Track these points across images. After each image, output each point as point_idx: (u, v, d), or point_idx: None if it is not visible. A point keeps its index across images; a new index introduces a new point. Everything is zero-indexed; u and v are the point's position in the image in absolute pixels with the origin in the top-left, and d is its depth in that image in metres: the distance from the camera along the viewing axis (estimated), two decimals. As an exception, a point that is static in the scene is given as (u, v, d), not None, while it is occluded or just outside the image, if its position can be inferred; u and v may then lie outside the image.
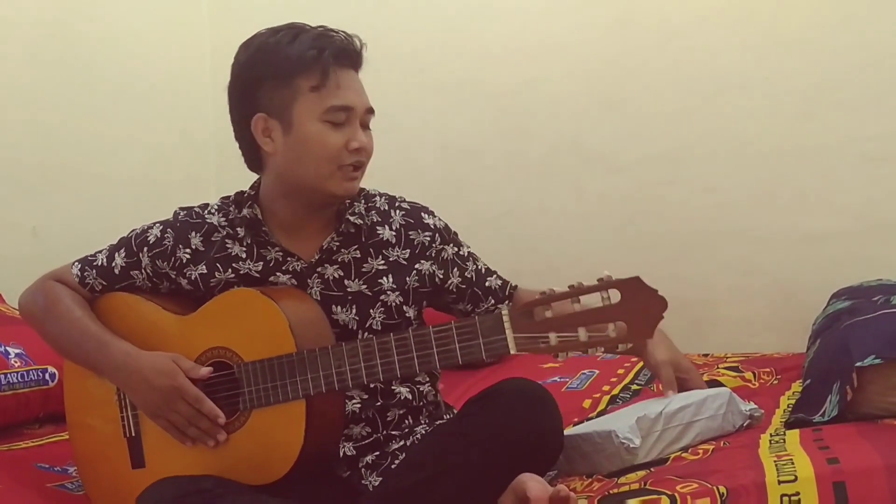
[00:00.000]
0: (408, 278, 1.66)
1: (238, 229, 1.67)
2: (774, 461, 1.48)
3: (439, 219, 1.74)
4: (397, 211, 1.71)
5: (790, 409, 1.91)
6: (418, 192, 1.85)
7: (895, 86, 2.72)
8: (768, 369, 2.37)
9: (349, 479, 1.60)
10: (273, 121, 1.60)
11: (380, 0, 3.29)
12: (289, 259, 1.65)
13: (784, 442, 1.63)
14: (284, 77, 1.58)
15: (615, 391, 2.29)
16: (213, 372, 1.56)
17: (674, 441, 1.66)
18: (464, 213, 2.12)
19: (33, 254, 2.63)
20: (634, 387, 2.33)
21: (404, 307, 1.66)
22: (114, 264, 1.71)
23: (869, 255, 2.71)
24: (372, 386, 1.62)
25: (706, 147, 2.94)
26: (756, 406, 1.83)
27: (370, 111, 1.64)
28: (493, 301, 1.73)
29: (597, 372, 2.46)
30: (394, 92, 2.88)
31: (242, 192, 1.71)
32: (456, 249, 1.72)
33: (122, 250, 1.71)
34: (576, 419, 2.04)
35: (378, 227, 1.68)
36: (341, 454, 1.60)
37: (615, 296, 1.32)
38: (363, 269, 1.65)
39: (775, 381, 2.28)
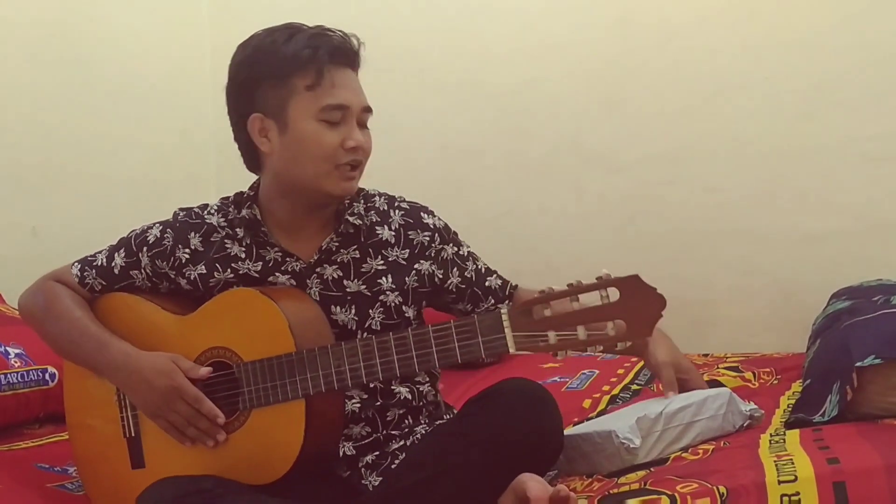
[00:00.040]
0: (407, 278, 1.66)
1: (237, 230, 1.67)
2: (774, 461, 1.48)
3: (439, 218, 1.73)
4: (396, 211, 1.71)
5: (790, 409, 1.90)
6: (418, 192, 1.85)
7: (895, 86, 2.73)
8: (768, 369, 2.37)
9: (349, 479, 1.60)
10: (269, 121, 1.60)
11: (380, 0, 3.29)
12: (288, 259, 1.65)
13: (784, 442, 1.63)
14: (280, 76, 1.58)
15: (615, 391, 2.28)
16: (212, 372, 1.56)
17: (674, 441, 1.66)
18: (464, 213, 2.12)
19: (33, 254, 2.62)
20: (634, 387, 2.33)
21: (403, 307, 1.66)
22: (113, 264, 1.71)
23: (869, 255, 2.71)
24: (371, 386, 1.61)
25: (706, 147, 2.94)
26: (756, 406, 1.83)
27: (367, 110, 1.63)
28: (493, 301, 1.72)
29: (597, 372, 2.46)
30: (394, 92, 2.88)
31: (242, 193, 1.71)
32: (456, 249, 1.72)
33: (122, 250, 1.71)
34: (576, 419, 2.03)
35: (377, 227, 1.68)
36: (341, 454, 1.59)
37: (614, 294, 1.32)
38: (362, 270, 1.65)
39: (775, 382, 2.28)
